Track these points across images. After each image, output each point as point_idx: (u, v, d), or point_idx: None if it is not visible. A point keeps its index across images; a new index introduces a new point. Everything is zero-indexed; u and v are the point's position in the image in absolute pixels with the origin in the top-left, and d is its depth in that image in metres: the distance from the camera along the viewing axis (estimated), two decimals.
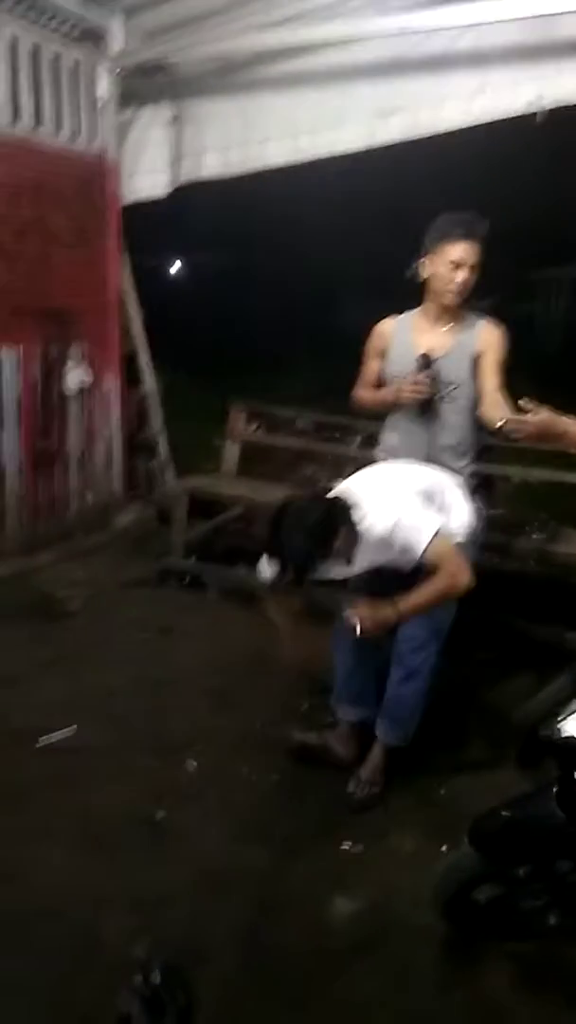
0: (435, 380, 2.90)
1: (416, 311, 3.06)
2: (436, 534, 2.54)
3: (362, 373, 3.14)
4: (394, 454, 3.06)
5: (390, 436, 3.11)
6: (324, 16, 3.98)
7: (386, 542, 2.55)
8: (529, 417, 2.14)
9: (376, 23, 3.90)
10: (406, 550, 2.55)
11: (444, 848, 2.46)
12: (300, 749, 2.98)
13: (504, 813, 1.95)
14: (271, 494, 4.77)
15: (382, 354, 3.08)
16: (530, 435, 2.17)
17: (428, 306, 3.00)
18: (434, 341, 2.98)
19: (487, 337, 2.96)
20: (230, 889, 2.37)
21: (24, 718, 3.12)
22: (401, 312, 3.10)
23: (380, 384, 3.09)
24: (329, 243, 11.25)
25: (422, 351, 2.94)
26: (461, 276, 2.87)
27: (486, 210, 2.89)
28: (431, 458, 2.97)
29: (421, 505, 2.64)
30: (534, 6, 3.48)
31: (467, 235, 2.84)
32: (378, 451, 3.18)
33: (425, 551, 2.52)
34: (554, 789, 1.86)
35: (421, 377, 2.87)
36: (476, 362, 2.92)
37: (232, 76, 4.61)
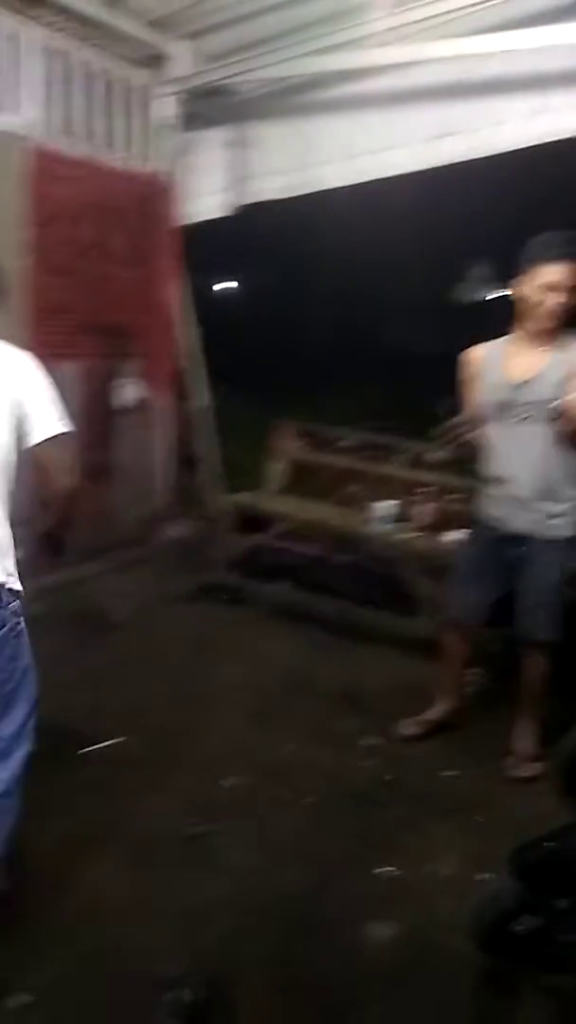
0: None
1: (509, 337, 2.94)
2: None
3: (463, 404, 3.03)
4: (504, 489, 2.96)
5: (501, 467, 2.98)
6: (382, 40, 4.02)
7: None
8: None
9: (433, 48, 3.93)
10: None
11: (483, 876, 2.41)
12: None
13: (548, 844, 1.92)
14: (315, 511, 4.79)
15: (473, 382, 2.99)
16: None
17: (521, 330, 2.89)
18: (525, 365, 2.85)
19: None
20: (266, 910, 2.35)
21: (68, 725, 3.15)
22: (493, 337, 2.99)
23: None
24: (382, 265, 11.27)
25: (516, 378, 2.85)
26: (554, 299, 2.75)
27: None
28: (542, 491, 2.86)
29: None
30: None
31: (562, 256, 2.72)
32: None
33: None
34: None
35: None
36: (569, 385, 2.73)
37: (292, 99, 4.68)
